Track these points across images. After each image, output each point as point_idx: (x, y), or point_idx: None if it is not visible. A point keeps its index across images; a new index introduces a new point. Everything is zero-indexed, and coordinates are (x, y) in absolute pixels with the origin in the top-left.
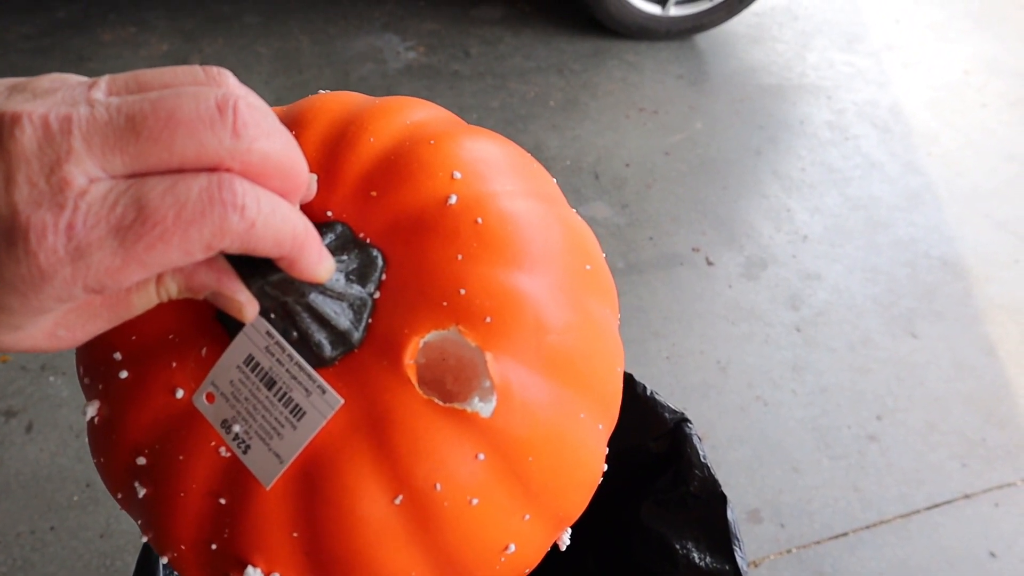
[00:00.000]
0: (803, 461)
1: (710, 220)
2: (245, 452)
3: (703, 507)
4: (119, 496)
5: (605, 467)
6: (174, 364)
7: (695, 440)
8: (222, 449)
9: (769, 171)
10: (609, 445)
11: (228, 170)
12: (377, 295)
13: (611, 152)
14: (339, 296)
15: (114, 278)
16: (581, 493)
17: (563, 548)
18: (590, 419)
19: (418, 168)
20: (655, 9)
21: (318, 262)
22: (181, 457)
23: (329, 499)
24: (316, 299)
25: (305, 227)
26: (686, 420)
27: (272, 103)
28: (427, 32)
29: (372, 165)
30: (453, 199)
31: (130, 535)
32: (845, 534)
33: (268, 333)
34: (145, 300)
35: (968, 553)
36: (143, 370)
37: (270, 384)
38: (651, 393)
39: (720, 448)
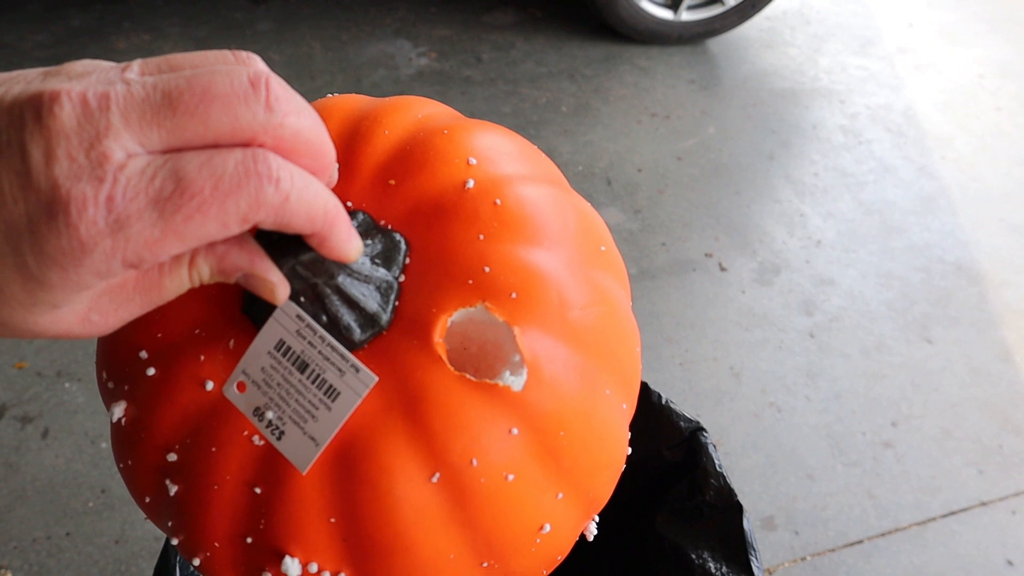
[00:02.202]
0: (817, 468)
1: (723, 225)
2: (279, 439)
3: (719, 516)
4: (147, 499)
5: (629, 450)
6: (202, 357)
7: (711, 449)
8: (255, 438)
9: (782, 176)
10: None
11: (261, 145)
12: (402, 278)
13: (623, 157)
14: (366, 279)
15: (152, 250)
16: (609, 473)
17: (590, 538)
18: (615, 397)
19: (434, 156)
20: (667, 14)
21: (348, 239)
22: (214, 449)
23: (366, 480)
24: (344, 281)
25: (336, 204)
26: (701, 429)
27: None
28: (439, 38)
29: (388, 155)
30: (471, 183)
31: (145, 541)
32: (860, 542)
33: (299, 317)
34: (177, 283)
35: (985, 561)
36: (170, 366)
37: (302, 367)
38: (666, 402)
39: (734, 455)
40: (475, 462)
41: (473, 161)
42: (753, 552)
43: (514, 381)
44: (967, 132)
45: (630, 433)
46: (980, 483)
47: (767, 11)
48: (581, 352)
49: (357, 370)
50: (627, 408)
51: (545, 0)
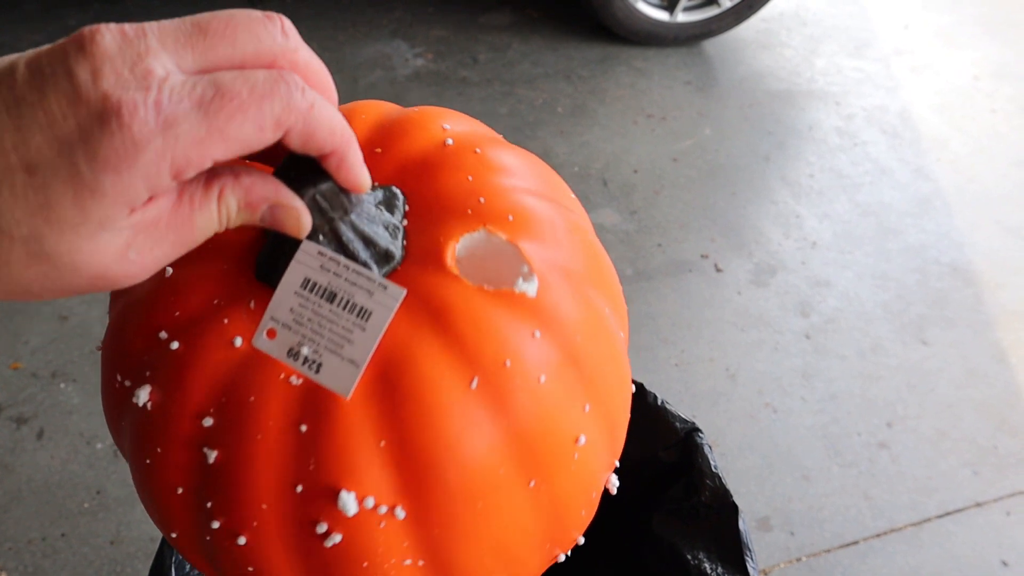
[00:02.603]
0: (813, 469)
1: (719, 226)
2: (317, 371)
3: (714, 517)
4: (179, 491)
5: (633, 388)
6: (225, 320)
7: (706, 450)
8: (293, 378)
9: (778, 177)
10: (620, 455)
11: (280, 68)
12: (405, 222)
13: (619, 158)
14: (375, 219)
15: (199, 151)
16: (623, 395)
17: (613, 491)
18: (613, 319)
19: (412, 125)
20: (663, 15)
21: (361, 164)
22: (252, 398)
23: (409, 394)
24: (357, 220)
25: (347, 126)
26: (697, 430)
27: None
28: (435, 39)
29: (370, 131)
30: (450, 141)
31: (140, 542)
32: (856, 542)
33: (320, 253)
34: (207, 219)
35: (980, 562)
36: (195, 336)
37: (331, 298)
38: (662, 403)
39: (729, 455)
40: (508, 363)
41: (447, 127)
42: (749, 553)
43: (528, 287)
44: (963, 134)
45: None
46: (975, 484)
47: (763, 13)
48: (578, 268)
49: (385, 287)
50: (623, 338)
51: (542, 1)
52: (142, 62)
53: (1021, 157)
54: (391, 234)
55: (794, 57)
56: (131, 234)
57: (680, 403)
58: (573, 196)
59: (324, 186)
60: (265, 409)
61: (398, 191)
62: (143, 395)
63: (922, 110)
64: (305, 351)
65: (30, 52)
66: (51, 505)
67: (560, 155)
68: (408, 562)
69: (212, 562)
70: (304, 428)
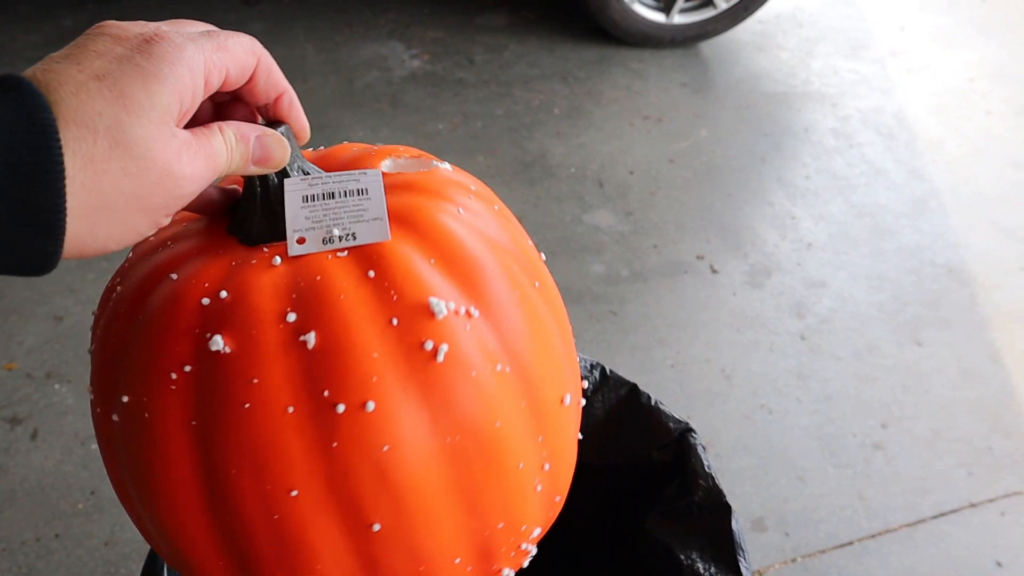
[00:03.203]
0: (808, 469)
1: (715, 228)
2: (355, 238)
3: (708, 517)
4: (290, 409)
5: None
6: (253, 262)
7: (700, 450)
8: (339, 253)
9: (774, 178)
10: (613, 454)
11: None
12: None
13: (615, 159)
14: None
15: (218, 56)
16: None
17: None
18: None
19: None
20: (659, 17)
21: (303, 113)
22: (318, 277)
23: (427, 223)
24: (307, 163)
25: None
26: (690, 430)
27: None
28: (432, 40)
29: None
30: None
31: (134, 543)
32: (850, 543)
33: (302, 178)
34: (219, 144)
35: (975, 562)
36: (236, 278)
37: (331, 196)
38: (655, 403)
39: (725, 456)
40: (468, 203)
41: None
42: (741, 553)
43: (442, 165)
44: (958, 135)
45: (618, 434)
46: (970, 484)
47: (759, 14)
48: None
49: (365, 172)
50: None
51: (538, 2)
52: (149, 24)
53: (1016, 158)
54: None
55: (790, 59)
56: (180, 143)
57: (675, 404)
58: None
59: (282, 128)
60: (333, 277)
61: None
62: (219, 341)
63: (918, 111)
64: (336, 232)
65: None
66: (45, 506)
67: (556, 156)
68: (499, 367)
69: (344, 494)
70: (372, 273)
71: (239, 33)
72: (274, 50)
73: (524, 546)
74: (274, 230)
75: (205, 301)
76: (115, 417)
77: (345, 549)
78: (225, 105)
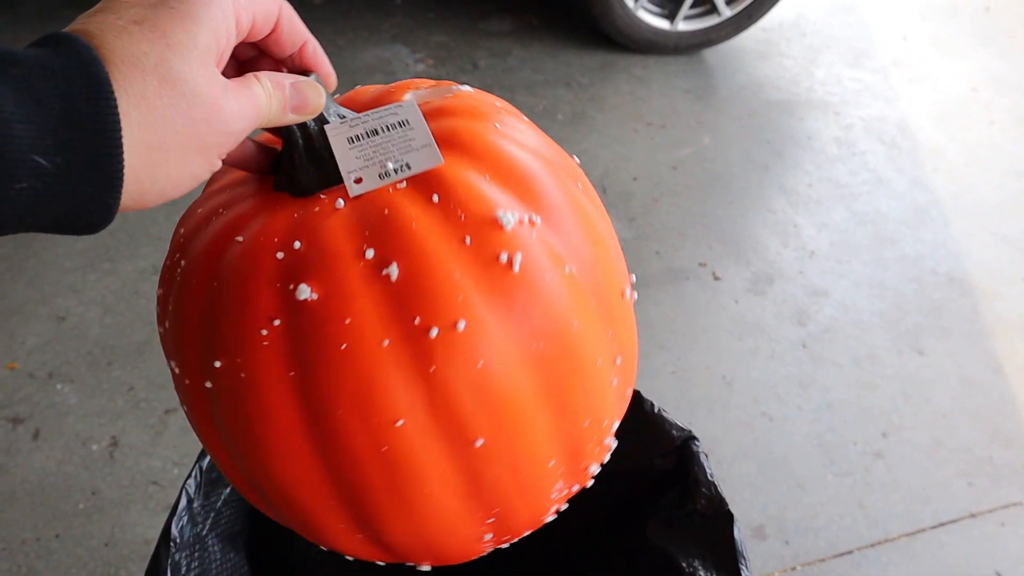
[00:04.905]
0: (808, 478)
1: (717, 235)
2: (410, 168)
3: (710, 525)
4: (385, 342)
5: (634, 278)
6: (316, 209)
7: (702, 458)
8: (398, 185)
9: (776, 186)
10: (615, 461)
11: None
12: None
13: (618, 166)
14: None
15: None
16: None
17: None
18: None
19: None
20: (663, 24)
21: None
22: (386, 211)
23: (471, 141)
24: (336, 107)
25: None
26: (693, 438)
27: None
28: (436, 44)
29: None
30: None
31: (135, 544)
32: (850, 552)
33: (342, 121)
34: (259, 89)
35: (974, 573)
36: (307, 229)
37: (374, 133)
38: (658, 410)
39: (725, 463)
40: (498, 125)
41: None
42: (743, 561)
43: (462, 88)
44: (960, 144)
45: (621, 441)
46: (970, 494)
47: (763, 22)
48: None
49: (400, 105)
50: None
51: (542, 8)
52: None
53: (1017, 168)
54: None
55: (793, 67)
56: (225, 82)
57: (676, 410)
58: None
59: (312, 76)
60: (400, 207)
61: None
62: (306, 290)
63: (920, 120)
64: (391, 165)
65: None
66: (45, 506)
67: None
68: (568, 269)
69: (432, 399)
70: (436, 198)
71: None
72: None
73: (607, 441)
74: (324, 178)
75: (280, 255)
76: (208, 384)
77: (451, 468)
78: (250, 62)
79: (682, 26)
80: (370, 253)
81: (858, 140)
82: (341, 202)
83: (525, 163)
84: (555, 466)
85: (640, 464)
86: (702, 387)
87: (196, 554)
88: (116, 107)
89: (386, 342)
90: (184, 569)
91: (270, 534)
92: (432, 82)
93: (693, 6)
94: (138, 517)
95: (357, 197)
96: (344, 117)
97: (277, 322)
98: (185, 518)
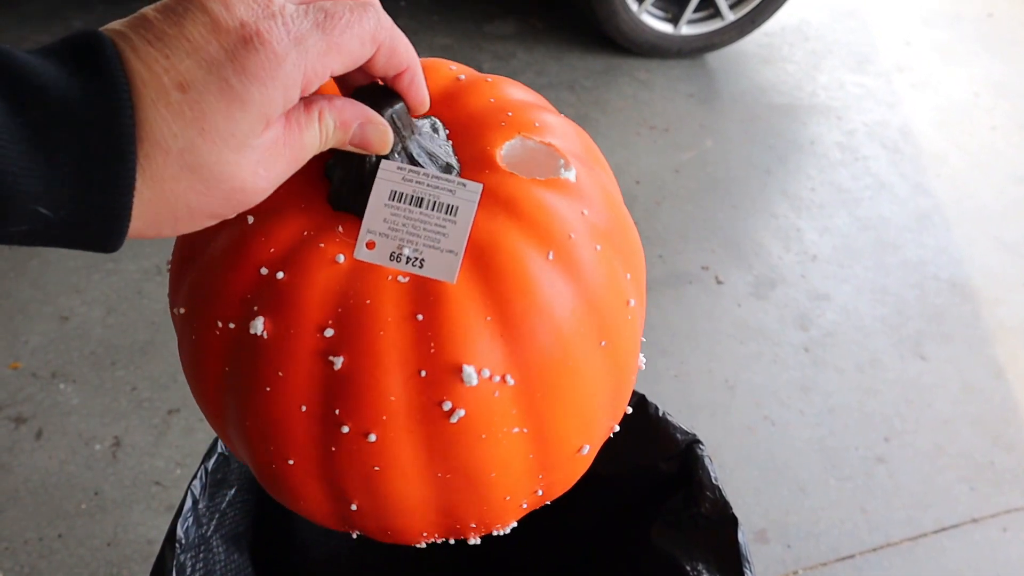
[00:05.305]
0: (810, 482)
1: (719, 239)
2: (421, 266)
3: (714, 529)
4: (303, 408)
5: (629, 410)
6: (322, 245)
7: (707, 462)
8: (400, 277)
9: (779, 191)
10: (620, 464)
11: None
12: (450, 141)
13: (621, 169)
14: (431, 139)
15: (323, 62)
16: (641, 261)
17: (642, 367)
18: (619, 196)
19: (424, 67)
20: (667, 27)
21: (425, 84)
22: (368, 301)
23: (503, 271)
24: (421, 138)
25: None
26: (698, 441)
27: None
28: (440, 47)
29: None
30: (462, 76)
31: (137, 544)
32: (852, 556)
33: (400, 167)
34: (312, 138)
35: None
36: (297, 263)
37: (419, 202)
38: (663, 414)
39: (727, 467)
40: (572, 236)
41: (454, 68)
42: (747, 565)
43: (569, 175)
44: (962, 150)
45: (625, 444)
46: (972, 500)
47: (766, 27)
48: (586, 154)
49: (464, 184)
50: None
51: (546, 11)
52: (256, 4)
53: (1019, 173)
54: (445, 149)
55: (796, 71)
56: (260, 152)
57: (678, 414)
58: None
59: (398, 106)
60: (381, 308)
61: (436, 119)
62: (259, 325)
63: (922, 126)
64: (406, 252)
65: (152, 5)
66: (48, 506)
67: None
68: (516, 430)
69: (331, 479)
70: (420, 317)
71: (364, 14)
72: None
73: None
74: (357, 205)
75: (264, 271)
76: (180, 313)
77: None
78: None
79: (686, 30)
80: (329, 332)
81: (860, 145)
82: (342, 257)
83: (542, 318)
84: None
85: (644, 467)
86: (704, 391)
87: (201, 555)
88: (133, 185)
89: (304, 408)
90: (189, 570)
91: (274, 535)
92: (549, 131)
93: (697, 10)
94: (141, 517)
95: (360, 262)
96: (410, 158)
97: (232, 325)
98: (190, 519)
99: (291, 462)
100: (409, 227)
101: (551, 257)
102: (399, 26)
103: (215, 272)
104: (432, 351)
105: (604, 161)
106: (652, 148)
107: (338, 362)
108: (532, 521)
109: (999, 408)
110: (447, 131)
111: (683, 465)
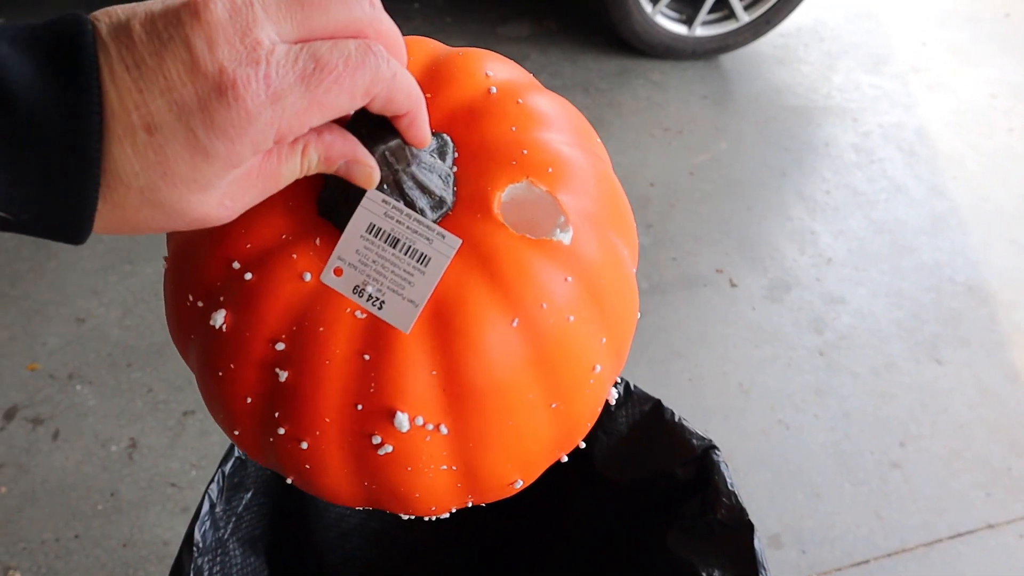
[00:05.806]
0: (825, 486)
1: (734, 241)
2: (380, 308)
3: (730, 535)
4: (248, 400)
5: (583, 445)
6: (294, 255)
7: (723, 467)
8: (358, 312)
9: (794, 193)
10: (636, 470)
11: (367, 37)
12: (455, 169)
13: (635, 171)
14: (431, 168)
15: (300, 120)
16: (631, 323)
17: (612, 403)
18: (628, 257)
19: (457, 70)
20: (681, 29)
21: (427, 123)
22: (321, 328)
23: (460, 331)
24: (416, 171)
25: (419, 89)
26: (714, 447)
27: None
28: None
29: (420, 75)
30: (494, 89)
31: (153, 545)
32: (866, 561)
33: (384, 201)
34: (291, 170)
35: None
36: (267, 268)
37: (394, 243)
38: (679, 419)
39: (741, 472)
40: (544, 305)
41: (490, 73)
42: (764, 571)
43: (564, 236)
44: (979, 152)
45: (641, 450)
46: (988, 505)
47: (781, 28)
48: (603, 214)
49: (443, 236)
50: (635, 273)
51: (560, 13)
52: (251, 32)
53: None
54: (444, 182)
55: (811, 73)
56: (227, 187)
57: (692, 418)
58: (599, 141)
59: (393, 143)
60: (333, 339)
61: (448, 139)
62: (219, 318)
63: (938, 128)
64: (370, 289)
65: (140, 7)
66: (65, 506)
67: None
68: (444, 467)
69: (270, 458)
70: (367, 357)
71: (360, 67)
72: None
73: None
74: (339, 219)
75: (236, 265)
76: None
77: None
78: None
79: (700, 31)
80: (280, 346)
81: (876, 147)
82: (309, 276)
83: (488, 383)
84: None
85: (660, 473)
86: (718, 395)
87: (218, 558)
88: (95, 208)
89: (248, 400)
90: (206, 573)
91: (290, 539)
92: (552, 181)
93: (711, 11)
94: (156, 518)
95: (325, 285)
96: (392, 195)
97: (201, 304)
98: (207, 523)
99: (236, 433)
100: (379, 265)
101: (515, 324)
102: (412, 30)
103: (193, 248)
104: (372, 391)
105: (628, 217)
106: (666, 150)
107: (283, 375)
108: (547, 526)
109: (1016, 413)
110: (456, 154)
111: (699, 471)
